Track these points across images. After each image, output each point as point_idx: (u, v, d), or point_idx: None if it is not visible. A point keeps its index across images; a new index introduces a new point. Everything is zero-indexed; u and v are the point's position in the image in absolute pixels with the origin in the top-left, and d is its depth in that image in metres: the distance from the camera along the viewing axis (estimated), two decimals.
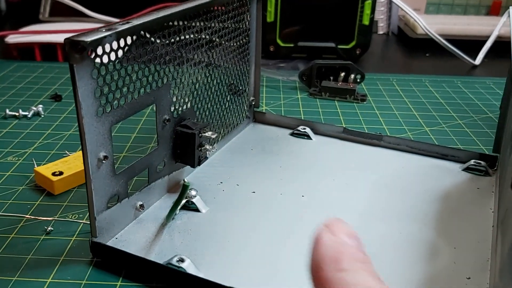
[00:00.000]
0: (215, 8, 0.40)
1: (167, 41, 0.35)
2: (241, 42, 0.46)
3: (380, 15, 0.95)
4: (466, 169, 0.44)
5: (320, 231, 0.20)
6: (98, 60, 0.29)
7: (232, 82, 0.45)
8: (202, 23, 0.39)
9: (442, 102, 0.62)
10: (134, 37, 0.31)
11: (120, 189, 0.33)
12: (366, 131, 0.48)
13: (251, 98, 0.50)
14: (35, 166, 0.42)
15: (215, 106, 0.43)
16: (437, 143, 0.50)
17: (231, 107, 0.46)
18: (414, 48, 0.87)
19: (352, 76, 0.61)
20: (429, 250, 0.34)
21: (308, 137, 0.49)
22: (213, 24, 0.40)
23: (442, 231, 0.36)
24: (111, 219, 0.33)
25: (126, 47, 0.31)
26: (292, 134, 0.49)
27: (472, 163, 0.44)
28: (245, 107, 0.49)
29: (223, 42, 0.42)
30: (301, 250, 0.33)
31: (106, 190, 0.32)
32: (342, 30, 0.74)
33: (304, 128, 0.49)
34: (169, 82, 0.36)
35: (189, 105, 0.39)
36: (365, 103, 0.60)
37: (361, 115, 0.57)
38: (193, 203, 0.37)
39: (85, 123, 0.29)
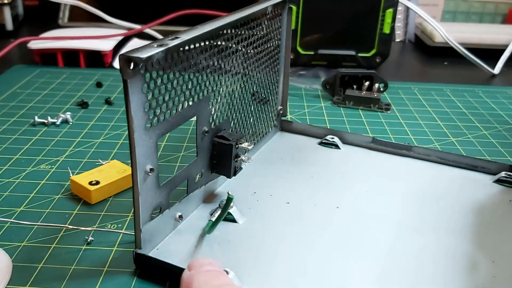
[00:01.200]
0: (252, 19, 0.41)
1: (209, 54, 0.35)
2: (272, 52, 0.46)
3: (397, 23, 0.95)
4: (497, 181, 0.44)
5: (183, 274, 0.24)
6: (148, 74, 0.29)
7: (256, 90, 0.45)
8: (240, 35, 0.39)
9: (465, 112, 0.62)
10: (181, 52, 0.32)
11: (163, 201, 0.33)
12: (394, 141, 0.48)
13: (279, 107, 0.50)
14: (71, 174, 0.42)
15: (247, 116, 0.43)
16: (465, 154, 0.50)
17: (261, 116, 0.47)
18: (431, 56, 0.87)
19: (376, 85, 0.61)
20: (468, 264, 0.34)
21: (337, 147, 0.49)
22: (249, 35, 0.41)
23: (479, 244, 0.36)
24: (154, 230, 0.33)
25: (174, 61, 0.31)
26: (320, 144, 0.49)
27: (503, 175, 0.44)
28: (274, 116, 0.50)
29: (257, 52, 0.43)
30: (338, 262, 0.34)
31: (151, 202, 0.32)
32: (363, 38, 0.74)
33: (333, 138, 0.49)
34: (209, 94, 0.36)
35: (225, 116, 0.39)
36: (389, 112, 0.60)
37: (387, 124, 0.57)
38: (230, 214, 0.37)
39: (136, 137, 0.29)
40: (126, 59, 0.27)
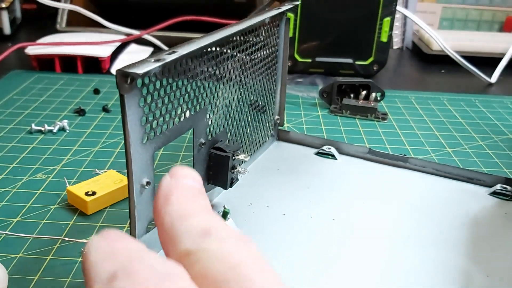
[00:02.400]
0: (248, 34, 0.41)
1: (206, 66, 0.35)
2: (270, 62, 0.46)
3: (395, 30, 0.96)
4: (493, 193, 0.44)
5: (162, 178, 0.21)
6: (144, 88, 0.29)
7: (254, 100, 0.45)
8: (238, 46, 0.39)
9: (461, 121, 0.62)
10: (178, 65, 0.32)
11: None
12: (390, 152, 0.48)
13: (276, 116, 0.51)
14: (67, 185, 0.42)
15: (244, 127, 0.44)
16: (461, 166, 0.50)
17: (258, 126, 0.47)
18: (429, 64, 0.87)
19: (374, 94, 0.62)
20: (463, 278, 0.34)
21: (333, 157, 0.49)
22: (247, 46, 0.41)
23: (474, 258, 0.36)
24: (150, 243, 0.33)
25: (170, 75, 0.31)
26: (317, 154, 0.50)
27: (499, 187, 0.44)
28: (271, 126, 0.50)
29: (255, 63, 0.43)
30: (333, 275, 0.34)
31: (147, 215, 0.32)
32: (360, 47, 0.75)
33: (329, 148, 0.49)
34: (206, 106, 0.36)
35: (222, 127, 0.39)
36: (386, 121, 0.61)
37: (383, 134, 0.57)
38: None
39: (132, 151, 0.29)
40: (123, 74, 0.27)
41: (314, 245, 0.37)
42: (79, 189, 0.40)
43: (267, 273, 0.17)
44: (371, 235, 0.38)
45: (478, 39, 0.90)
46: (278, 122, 0.51)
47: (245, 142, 0.44)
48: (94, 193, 0.40)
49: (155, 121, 0.31)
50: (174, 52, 0.31)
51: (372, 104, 0.61)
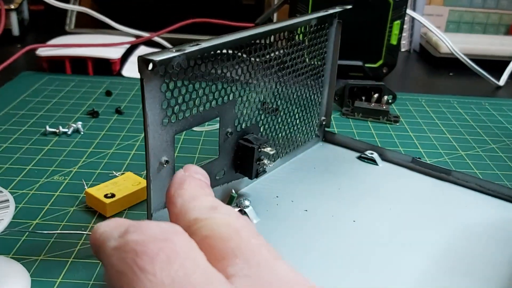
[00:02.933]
0: (287, 33, 0.41)
1: (236, 62, 0.36)
2: (316, 63, 0.46)
3: (403, 33, 0.96)
4: None
5: (177, 171, 0.24)
6: (168, 76, 0.31)
7: (265, 100, 0.45)
8: (272, 46, 0.39)
9: (473, 124, 0.62)
10: (203, 57, 0.33)
11: None
12: (403, 153, 0.48)
13: (322, 117, 0.50)
14: (85, 187, 0.42)
15: (281, 123, 0.44)
16: (475, 169, 0.50)
17: (299, 125, 0.47)
18: (436, 67, 0.88)
19: (385, 97, 0.62)
20: None
21: (375, 163, 0.48)
22: (286, 47, 0.41)
23: None
24: (166, 219, 0.34)
25: (195, 66, 0.32)
26: (359, 158, 0.49)
27: None
28: (315, 126, 0.50)
29: (296, 63, 0.43)
30: (341, 274, 0.34)
31: (164, 192, 0.33)
32: (370, 49, 0.75)
33: (372, 153, 0.48)
34: (235, 99, 0.37)
35: (253, 121, 0.40)
36: (398, 124, 0.61)
37: (396, 137, 0.57)
38: (245, 212, 0.38)
39: (149, 130, 0.31)
40: (144, 61, 0.29)
41: (328, 242, 0.37)
42: (97, 191, 0.40)
43: (261, 240, 0.20)
44: (390, 240, 0.37)
45: (485, 42, 0.90)
46: (324, 123, 0.51)
47: (282, 138, 0.45)
48: (113, 195, 0.40)
49: (178, 107, 0.32)
50: (197, 44, 0.32)
51: (384, 107, 0.61)
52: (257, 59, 0.38)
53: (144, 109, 0.30)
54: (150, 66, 0.29)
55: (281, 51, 0.41)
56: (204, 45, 0.32)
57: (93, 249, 0.20)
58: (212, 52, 0.33)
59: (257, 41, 0.37)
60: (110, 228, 0.19)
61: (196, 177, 0.24)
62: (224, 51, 0.35)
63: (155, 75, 0.30)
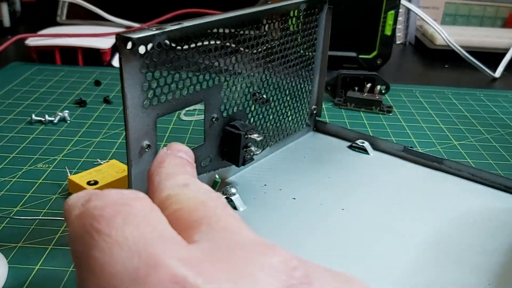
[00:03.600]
0: (276, 16, 0.40)
1: (221, 46, 0.35)
2: (306, 51, 0.45)
3: (398, 25, 0.95)
4: None
5: (160, 150, 0.24)
6: (148, 56, 0.29)
7: (257, 91, 0.44)
8: (258, 31, 0.39)
9: (467, 115, 0.61)
10: (184, 38, 0.32)
11: None
12: (395, 143, 0.47)
13: (313, 106, 0.49)
14: (68, 174, 0.41)
15: (271, 111, 0.43)
16: (468, 159, 0.49)
17: (289, 113, 0.46)
18: (432, 59, 0.87)
19: (378, 87, 0.61)
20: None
21: (366, 152, 0.47)
22: (275, 32, 0.40)
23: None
24: None
25: (177, 47, 0.31)
26: (350, 147, 0.48)
27: None
28: (306, 115, 0.49)
29: (284, 49, 0.42)
30: (329, 263, 0.33)
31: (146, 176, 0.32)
32: (364, 40, 0.74)
33: (363, 142, 0.47)
34: (221, 83, 0.36)
35: (240, 107, 0.39)
36: (391, 114, 0.60)
37: (388, 127, 0.56)
38: (231, 200, 0.37)
39: (129, 112, 0.30)
40: (122, 39, 0.28)
41: (316, 230, 0.36)
42: (80, 179, 0.40)
43: (228, 210, 0.20)
44: (379, 230, 0.36)
45: (481, 34, 0.89)
46: (314, 112, 0.50)
47: (271, 126, 0.44)
48: (96, 183, 0.39)
49: (159, 89, 0.31)
50: (179, 23, 0.31)
51: (377, 97, 0.60)
52: (244, 44, 0.38)
53: (123, 90, 0.29)
54: (129, 45, 0.28)
55: (270, 37, 0.40)
56: (186, 24, 0.31)
57: (65, 222, 0.21)
58: (196, 33, 0.32)
59: (244, 24, 0.36)
60: (77, 198, 0.19)
61: (177, 155, 0.24)
62: (210, 35, 0.33)
63: (135, 55, 0.29)
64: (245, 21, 0.37)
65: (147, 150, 0.32)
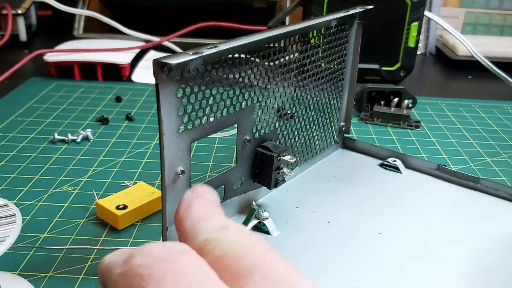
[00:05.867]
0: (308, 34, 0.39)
1: (254, 65, 0.34)
2: (335, 67, 0.44)
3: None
4: None
5: (185, 193, 0.23)
6: (184, 80, 0.29)
7: (281, 106, 0.43)
8: (291, 49, 0.38)
9: (497, 129, 0.60)
10: (220, 61, 0.31)
11: None
12: (428, 161, 0.45)
13: (342, 123, 0.48)
14: (96, 198, 0.40)
15: (300, 130, 0.42)
16: (503, 176, 0.48)
17: (319, 131, 0.45)
18: (454, 70, 0.85)
19: (405, 101, 0.59)
20: None
21: (398, 170, 0.46)
22: (304, 49, 0.39)
23: None
24: None
25: (212, 70, 0.31)
26: (381, 165, 0.47)
27: None
28: (334, 132, 0.48)
29: (315, 67, 0.41)
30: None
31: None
32: (387, 52, 0.72)
33: (395, 160, 0.46)
34: (253, 104, 0.35)
35: (272, 127, 0.38)
36: (419, 129, 0.58)
37: (418, 143, 0.55)
38: (264, 225, 0.36)
39: (165, 138, 0.29)
40: (160, 64, 0.27)
41: (354, 256, 0.34)
42: (109, 203, 0.38)
43: (277, 256, 0.18)
44: (419, 254, 0.35)
45: (503, 44, 0.88)
46: (343, 129, 0.49)
47: (301, 145, 0.43)
48: (125, 207, 0.38)
49: (194, 113, 0.30)
50: (215, 46, 0.30)
51: (404, 112, 0.59)
52: (276, 62, 0.36)
53: (159, 116, 0.28)
54: (166, 71, 0.27)
55: (301, 54, 0.39)
56: (222, 47, 0.30)
57: (100, 281, 0.19)
58: (230, 56, 0.31)
59: (276, 44, 0.35)
60: (116, 257, 0.18)
61: (204, 197, 0.23)
62: (243, 55, 0.33)
63: (171, 79, 0.28)
64: (278, 41, 0.36)
65: (181, 175, 0.31)
